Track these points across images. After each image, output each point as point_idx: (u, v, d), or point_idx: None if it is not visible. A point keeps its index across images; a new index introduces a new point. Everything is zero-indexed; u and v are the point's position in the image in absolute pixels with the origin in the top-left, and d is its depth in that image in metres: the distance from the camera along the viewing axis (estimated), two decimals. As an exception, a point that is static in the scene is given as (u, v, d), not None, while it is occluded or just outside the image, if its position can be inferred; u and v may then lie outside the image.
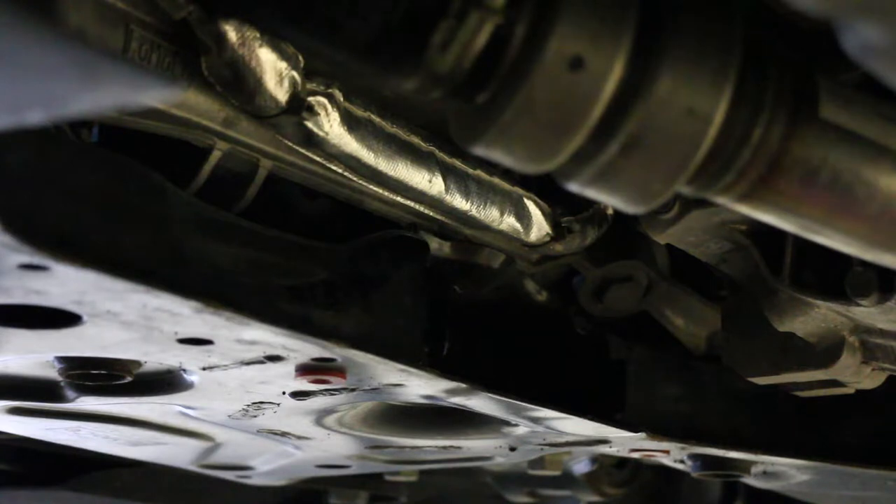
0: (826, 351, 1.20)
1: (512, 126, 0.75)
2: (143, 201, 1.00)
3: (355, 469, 1.88)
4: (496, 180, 1.20)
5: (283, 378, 1.22)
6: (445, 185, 1.15)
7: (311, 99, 1.02)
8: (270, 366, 1.17)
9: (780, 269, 1.11)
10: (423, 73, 0.75)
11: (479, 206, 1.19)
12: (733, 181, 0.81)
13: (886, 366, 1.22)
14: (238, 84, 0.97)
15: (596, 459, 2.13)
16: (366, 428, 1.58)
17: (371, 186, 1.13)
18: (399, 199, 1.16)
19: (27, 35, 0.57)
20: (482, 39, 0.75)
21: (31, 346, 1.12)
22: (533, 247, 1.28)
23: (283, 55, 0.98)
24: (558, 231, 1.27)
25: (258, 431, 1.54)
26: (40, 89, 0.61)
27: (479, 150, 0.79)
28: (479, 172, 1.19)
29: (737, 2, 0.79)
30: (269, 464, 1.82)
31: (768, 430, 1.56)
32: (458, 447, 1.68)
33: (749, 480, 1.73)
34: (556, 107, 0.74)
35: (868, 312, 1.08)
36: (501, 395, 1.30)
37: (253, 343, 1.09)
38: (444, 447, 1.69)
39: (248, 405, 1.38)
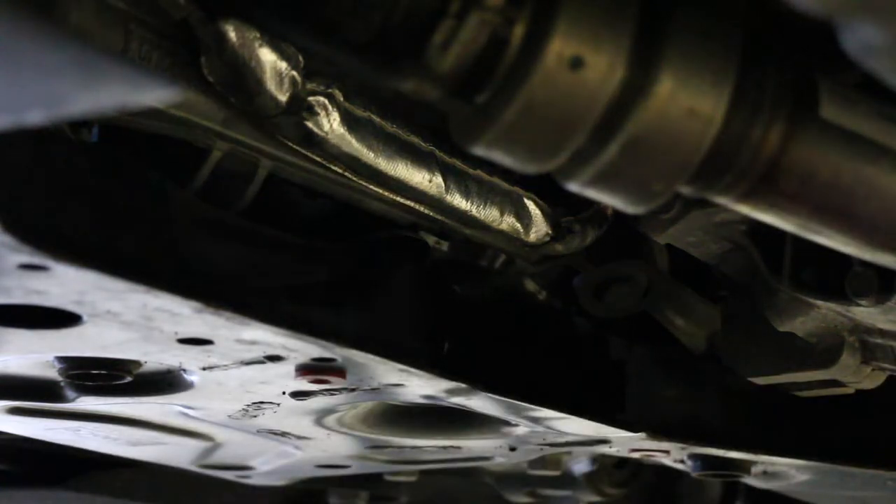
0: (826, 351, 1.20)
1: (512, 126, 0.75)
2: (143, 201, 1.00)
3: (355, 469, 1.88)
4: (496, 180, 1.20)
5: (283, 378, 1.22)
6: (445, 184, 1.15)
7: (311, 99, 1.02)
8: (270, 366, 1.17)
9: (780, 269, 1.11)
10: (422, 73, 0.75)
11: (479, 206, 1.19)
12: (733, 181, 0.81)
13: (886, 366, 1.22)
14: (238, 84, 0.97)
15: (596, 459, 2.13)
16: (366, 428, 1.57)
17: (371, 186, 1.13)
18: (399, 199, 1.16)
19: (27, 35, 0.57)
20: (482, 39, 0.75)
21: (31, 346, 1.12)
22: (533, 247, 1.28)
23: (283, 55, 0.98)
24: (558, 231, 1.27)
25: (258, 431, 1.54)
26: (40, 89, 0.61)
27: (479, 151, 0.79)
28: (479, 172, 1.19)
29: (737, 2, 0.79)
30: (269, 464, 1.82)
31: (768, 430, 1.56)
32: (458, 447, 1.68)
33: (749, 480, 1.73)
34: (556, 107, 0.74)
35: (868, 312, 1.08)
36: (501, 395, 1.30)
37: (253, 343, 1.09)
38: (444, 447, 1.69)
39: (248, 405, 1.38)
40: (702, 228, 1.10)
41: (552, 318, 1.51)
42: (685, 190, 0.82)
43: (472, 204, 1.18)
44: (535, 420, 1.44)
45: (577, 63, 0.73)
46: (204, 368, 1.21)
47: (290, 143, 1.06)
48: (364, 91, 1.07)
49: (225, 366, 1.18)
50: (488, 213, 1.20)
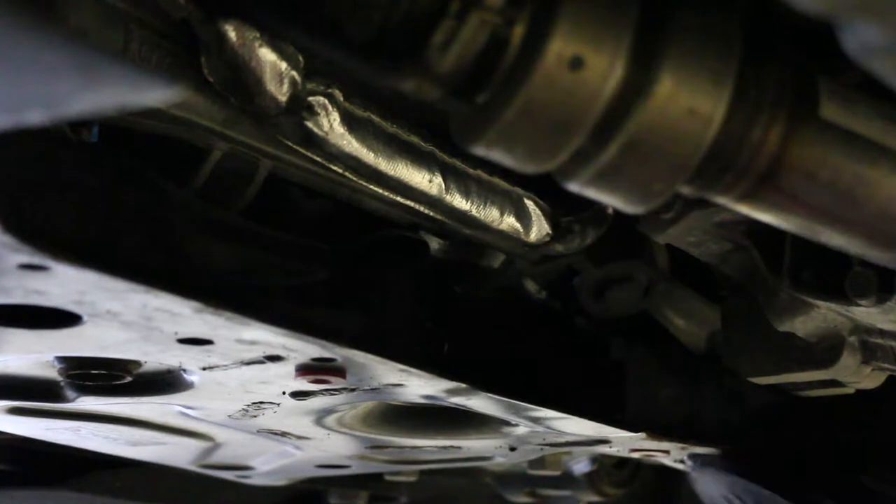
0: (826, 351, 1.20)
1: (512, 126, 0.75)
2: (143, 201, 1.00)
3: (355, 469, 1.88)
4: (496, 180, 1.20)
5: (283, 378, 1.22)
6: (445, 184, 1.15)
7: (311, 99, 1.02)
8: (270, 366, 1.17)
9: (780, 269, 1.11)
10: (422, 73, 0.75)
11: (479, 206, 1.19)
12: (733, 181, 0.81)
13: (886, 366, 1.22)
14: (238, 84, 0.97)
15: (596, 459, 2.13)
16: (366, 428, 1.58)
17: (371, 186, 1.13)
18: (399, 199, 1.16)
19: (27, 35, 0.57)
20: (482, 39, 0.75)
21: (31, 346, 1.12)
22: (533, 247, 1.28)
23: (283, 55, 0.98)
24: (558, 231, 1.27)
25: (258, 431, 1.54)
26: (40, 89, 0.61)
27: (479, 151, 0.79)
28: (480, 172, 1.19)
29: (737, 2, 0.79)
30: (269, 464, 1.82)
31: (768, 430, 1.56)
32: (458, 447, 1.68)
33: (749, 480, 1.73)
34: (556, 107, 0.74)
35: (868, 312, 1.08)
36: (501, 395, 1.31)
37: (253, 343, 1.09)
38: (444, 447, 1.69)
39: (248, 405, 1.38)
40: (702, 228, 1.10)
41: (552, 318, 1.51)
42: (685, 190, 0.82)
43: (472, 204, 1.18)
44: (535, 420, 1.44)
45: (576, 63, 0.73)
46: (204, 368, 1.21)
47: (290, 143, 1.06)
48: (364, 91, 1.07)
49: (225, 366, 1.18)
50: (488, 213, 1.20)
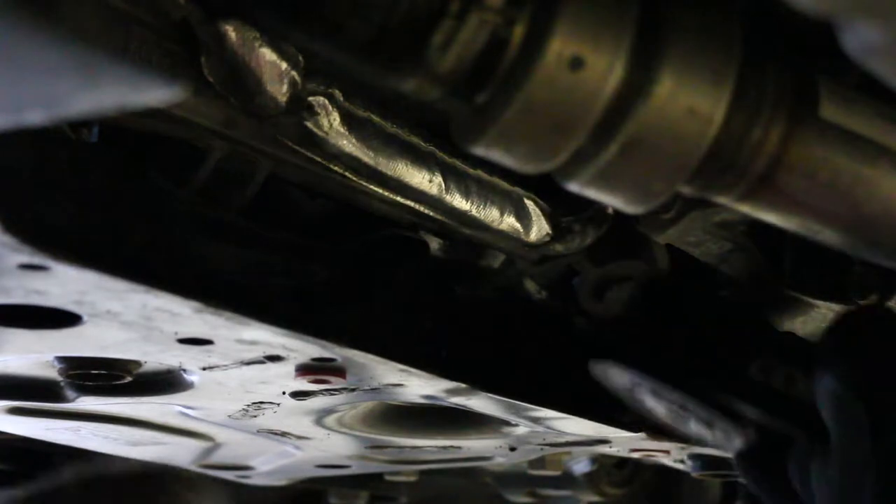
0: (826, 351, 1.20)
1: (512, 126, 0.75)
2: (143, 201, 1.00)
3: (355, 469, 1.88)
4: (496, 180, 1.20)
5: (283, 378, 1.22)
6: (445, 184, 1.15)
7: (311, 99, 1.02)
8: (270, 366, 1.17)
9: (780, 269, 1.11)
10: (422, 73, 0.75)
11: (479, 206, 1.19)
12: (733, 181, 0.81)
13: (886, 366, 1.22)
14: (238, 84, 0.97)
15: (596, 459, 2.13)
16: (366, 428, 1.58)
17: (371, 186, 1.13)
18: (399, 199, 1.16)
19: (27, 35, 0.57)
20: (482, 39, 0.75)
21: (31, 346, 1.12)
22: (533, 247, 1.28)
23: (283, 55, 0.98)
24: (558, 231, 1.27)
25: (258, 431, 1.54)
26: (40, 89, 0.61)
27: (479, 151, 0.79)
28: (480, 172, 1.19)
29: (737, 1, 0.79)
30: (269, 464, 1.82)
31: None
32: (458, 447, 1.68)
33: (749, 480, 1.73)
34: (556, 107, 0.74)
35: (868, 312, 1.08)
36: (501, 395, 1.30)
37: (253, 343, 1.09)
38: (444, 447, 1.69)
39: (248, 405, 1.38)
40: (702, 228, 1.10)
41: (552, 318, 1.51)
42: (685, 190, 0.82)
43: (472, 204, 1.18)
44: (535, 420, 1.44)
45: (577, 63, 0.73)
46: (204, 368, 1.21)
47: (290, 143, 1.06)
48: (364, 91, 1.07)
49: (225, 366, 1.19)
50: (488, 213, 1.20)
